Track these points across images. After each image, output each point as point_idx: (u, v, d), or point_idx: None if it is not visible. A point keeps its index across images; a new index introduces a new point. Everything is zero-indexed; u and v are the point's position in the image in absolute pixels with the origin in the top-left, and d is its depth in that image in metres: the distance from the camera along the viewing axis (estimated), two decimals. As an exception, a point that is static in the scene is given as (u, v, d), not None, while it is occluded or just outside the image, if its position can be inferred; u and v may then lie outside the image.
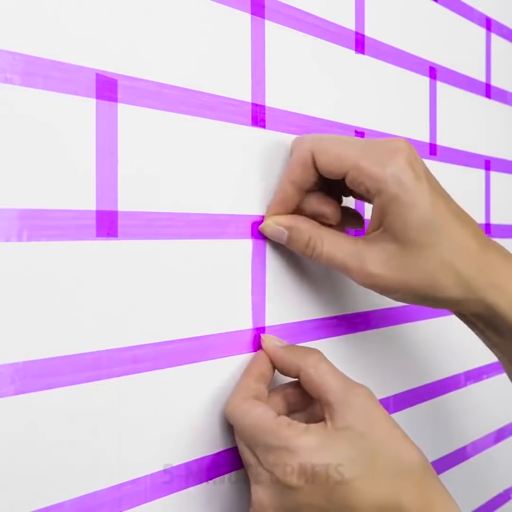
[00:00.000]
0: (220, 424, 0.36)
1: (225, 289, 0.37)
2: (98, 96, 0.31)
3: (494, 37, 0.64)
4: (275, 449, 0.32)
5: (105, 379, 0.31)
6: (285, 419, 0.33)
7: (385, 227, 0.36)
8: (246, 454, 0.34)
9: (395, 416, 0.50)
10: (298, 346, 0.39)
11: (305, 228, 0.38)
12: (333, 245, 0.37)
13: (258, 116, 0.39)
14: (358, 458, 0.32)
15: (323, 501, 0.31)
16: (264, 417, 0.33)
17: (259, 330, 0.39)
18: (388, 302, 0.49)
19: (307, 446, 0.32)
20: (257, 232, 0.39)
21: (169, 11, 0.34)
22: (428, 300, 0.38)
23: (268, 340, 0.38)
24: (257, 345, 0.38)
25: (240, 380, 0.37)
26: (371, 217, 0.37)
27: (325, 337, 0.43)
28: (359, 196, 0.40)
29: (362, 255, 0.37)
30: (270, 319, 0.39)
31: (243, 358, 0.38)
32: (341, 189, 0.40)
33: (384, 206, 0.36)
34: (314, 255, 0.38)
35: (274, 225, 0.38)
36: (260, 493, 0.33)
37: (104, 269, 0.31)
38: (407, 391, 0.51)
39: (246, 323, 0.38)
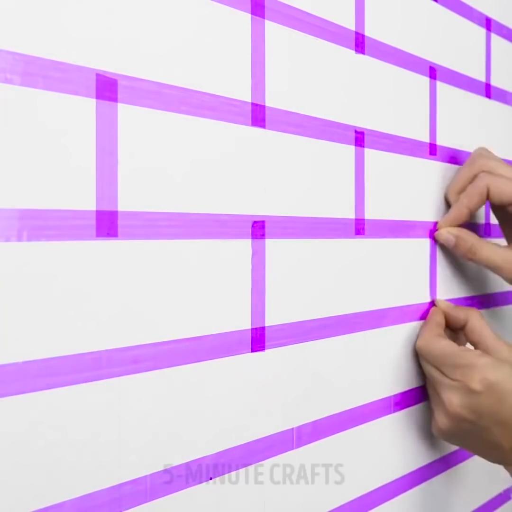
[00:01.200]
0: (220, 424, 0.36)
1: (225, 289, 0.37)
2: (98, 96, 0.31)
3: (494, 37, 0.64)
4: (463, 366, 0.46)
5: (105, 379, 0.31)
6: (465, 347, 0.48)
7: None
8: (433, 372, 0.49)
9: (398, 414, 0.50)
10: (459, 306, 0.54)
11: (468, 237, 0.53)
12: (490, 251, 0.53)
13: (258, 116, 0.39)
14: None
15: (494, 402, 0.45)
16: (450, 345, 0.48)
17: (258, 330, 0.39)
18: (388, 303, 0.49)
19: (484, 363, 0.46)
20: (258, 232, 0.39)
21: (169, 11, 0.34)
22: None
23: (441, 301, 0.54)
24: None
25: (425, 325, 0.52)
26: None
27: (325, 337, 0.43)
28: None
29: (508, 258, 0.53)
30: (270, 319, 0.39)
31: (243, 358, 0.38)
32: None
33: None
34: (475, 258, 0.53)
35: (446, 233, 0.53)
36: (450, 395, 0.47)
37: (104, 269, 0.31)
38: (408, 391, 0.51)
39: (246, 323, 0.38)
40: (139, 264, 0.32)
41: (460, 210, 0.54)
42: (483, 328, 0.51)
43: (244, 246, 0.38)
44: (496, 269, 0.53)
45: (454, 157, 0.57)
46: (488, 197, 0.53)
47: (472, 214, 0.54)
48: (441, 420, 0.49)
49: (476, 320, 0.51)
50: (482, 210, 0.61)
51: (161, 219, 0.33)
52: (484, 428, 0.46)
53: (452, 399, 0.47)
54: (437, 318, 0.53)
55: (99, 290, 0.31)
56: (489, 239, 0.55)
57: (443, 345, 0.49)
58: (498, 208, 0.56)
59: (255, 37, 0.38)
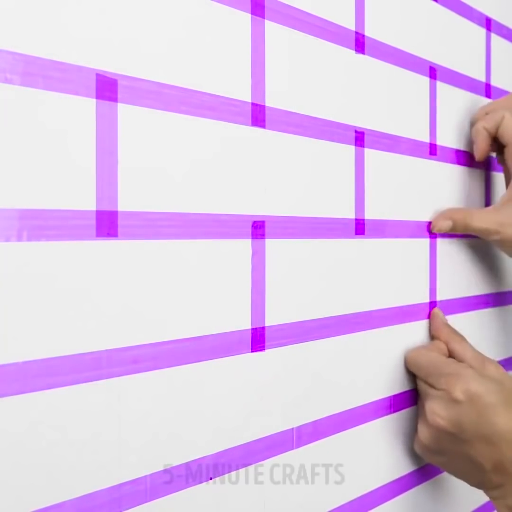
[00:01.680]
0: (220, 424, 0.36)
1: (225, 289, 0.37)
2: (98, 96, 0.31)
3: (494, 37, 0.64)
4: (447, 375, 0.46)
5: (105, 379, 0.31)
6: (452, 359, 0.49)
7: None
8: (421, 385, 0.49)
9: (398, 414, 0.50)
10: (447, 326, 0.53)
11: (458, 213, 0.53)
12: (481, 219, 0.53)
13: (258, 116, 0.39)
14: (500, 392, 0.44)
15: (475, 415, 0.44)
16: (438, 356, 0.49)
17: (258, 330, 0.39)
18: (388, 303, 0.49)
19: (469, 374, 0.45)
20: (258, 232, 0.39)
21: (169, 11, 0.34)
22: None
23: (435, 315, 0.53)
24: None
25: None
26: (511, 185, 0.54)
27: (325, 337, 0.43)
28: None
29: (500, 221, 0.52)
30: (270, 319, 0.39)
31: (243, 358, 0.38)
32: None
33: None
34: (469, 230, 0.53)
35: (439, 220, 0.53)
36: (433, 405, 0.46)
37: (104, 269, 0.31)
38: (408, 391, 0.51)
39: (246, 323, 0.38)
40: (139, 264, 0.32)
41: (479, 133, 0.55)
42: (466, 351, 0.50)
43: (244, 246, 0.38)
44: (492, 234, 0.53)
45: (454, 157, 0.57)
46: (498, 129, 0.54)
47: (491, 137, 0.55)
48: (422, 433, 0.48)
49: (456, 343, 0.51)
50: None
51: (161, 219, 0.33)
52: (465, 443, 0.44)
53: (434, 408, 0.46)
54: (439, 344, 0.52)
55: (99, 290, 0.31)
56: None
57: (432, 356, 0.49)
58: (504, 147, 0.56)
59: (255, 37, 0.39)
